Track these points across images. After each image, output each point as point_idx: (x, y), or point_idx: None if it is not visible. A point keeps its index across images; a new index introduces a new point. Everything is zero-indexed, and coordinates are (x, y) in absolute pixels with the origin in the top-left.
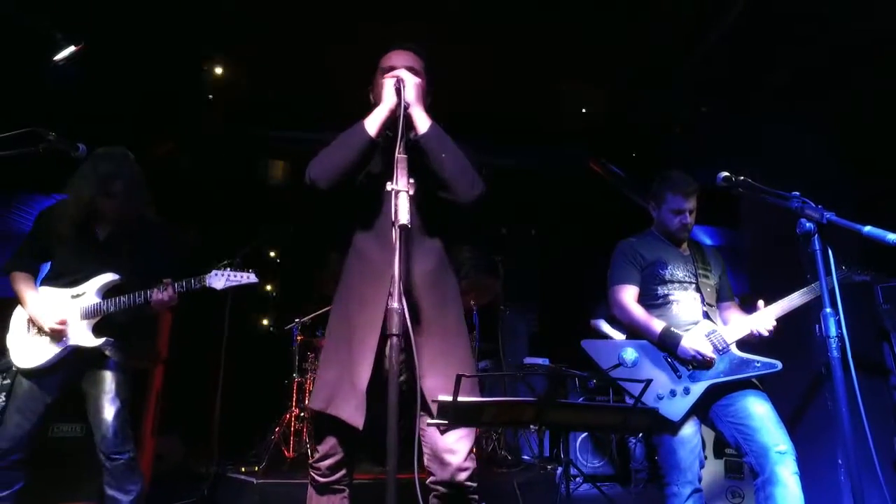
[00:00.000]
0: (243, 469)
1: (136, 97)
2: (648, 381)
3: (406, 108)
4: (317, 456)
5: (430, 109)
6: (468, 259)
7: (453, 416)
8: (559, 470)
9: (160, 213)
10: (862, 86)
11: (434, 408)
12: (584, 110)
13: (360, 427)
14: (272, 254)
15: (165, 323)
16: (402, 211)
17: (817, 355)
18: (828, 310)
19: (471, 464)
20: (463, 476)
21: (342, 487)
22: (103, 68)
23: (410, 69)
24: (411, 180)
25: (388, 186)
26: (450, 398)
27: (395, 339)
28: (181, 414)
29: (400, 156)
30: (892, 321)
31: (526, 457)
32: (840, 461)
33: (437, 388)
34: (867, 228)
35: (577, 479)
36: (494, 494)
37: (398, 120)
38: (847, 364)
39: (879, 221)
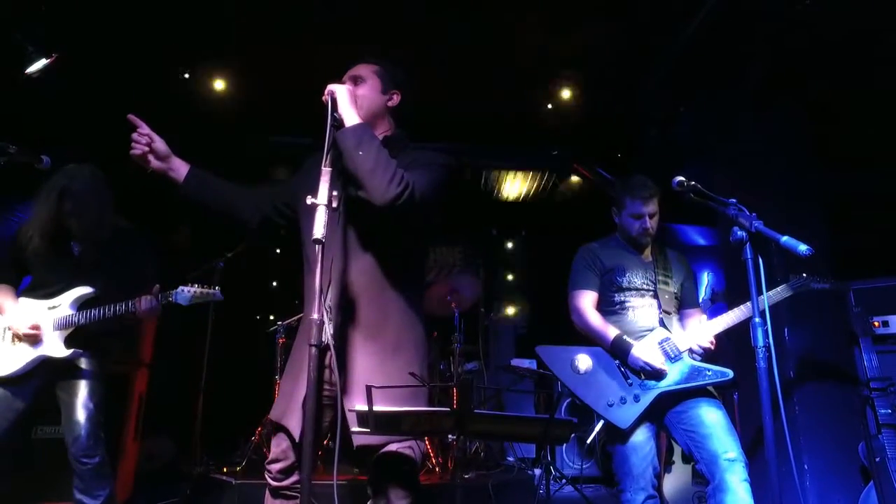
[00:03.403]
0: (225, 469)
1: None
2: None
3: (335, 122)
4: (269, 458)
5: (398, 108)
6: (460, 261)
7: (373, 424)
8: (538, 471)
9: (152, 218)
10: (840, 85)
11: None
12: (569, 111)
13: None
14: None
15: (149, 327)
16: (319, 225)
17: (785, 364)
18: (756, 320)
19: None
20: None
21: (295, 494)
22: (92, 77)
23: (353, 77)
24: (335, 193)
25: (308, 200)
26: (366, 408)
27: (312, 349)
28: (172, 414)
29: (325, 168)
30: (861, 325)
31: (510, 458)
32: (805, 466)
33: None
34: (784, 238)
35: (562, 480)
36: (469, 496)
37: (327, 132)
38: (816, 372)
39: (855, 221)
